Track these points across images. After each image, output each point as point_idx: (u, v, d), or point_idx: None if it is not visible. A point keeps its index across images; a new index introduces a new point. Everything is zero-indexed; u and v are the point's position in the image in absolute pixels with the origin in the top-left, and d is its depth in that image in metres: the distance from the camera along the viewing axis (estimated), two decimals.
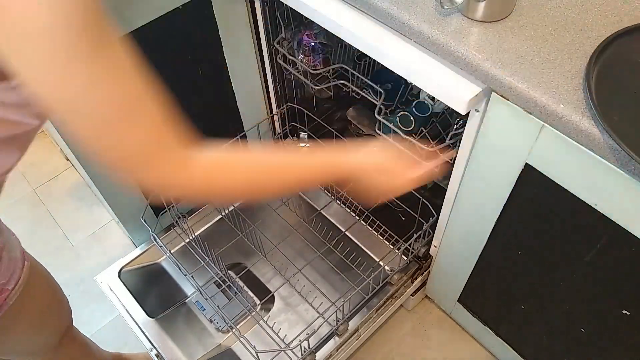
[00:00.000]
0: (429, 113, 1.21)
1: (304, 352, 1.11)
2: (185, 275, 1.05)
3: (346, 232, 1.46)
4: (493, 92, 0.85)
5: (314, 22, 1.02)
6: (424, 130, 1.18)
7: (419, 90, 1.25)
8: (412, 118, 1.19)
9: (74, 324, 1.13)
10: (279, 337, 0.99)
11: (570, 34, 0.84)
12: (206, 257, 1.26)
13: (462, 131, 0.97)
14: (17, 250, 0.83)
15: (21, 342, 0.93)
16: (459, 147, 0.93)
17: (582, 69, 0.78)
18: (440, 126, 1.19)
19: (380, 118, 1.11)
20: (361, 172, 0.74)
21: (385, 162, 0.75)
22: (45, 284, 0.93)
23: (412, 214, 1.35)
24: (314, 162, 0.71)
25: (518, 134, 0.86)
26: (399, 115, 1.19)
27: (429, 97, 1.21)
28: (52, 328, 0.98)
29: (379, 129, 1.24)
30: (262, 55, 1.39)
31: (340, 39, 0.99)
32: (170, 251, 1.05)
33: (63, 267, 1.71)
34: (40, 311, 0.91)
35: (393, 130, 1.18)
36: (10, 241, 0.82)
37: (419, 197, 1.23)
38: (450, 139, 1.04)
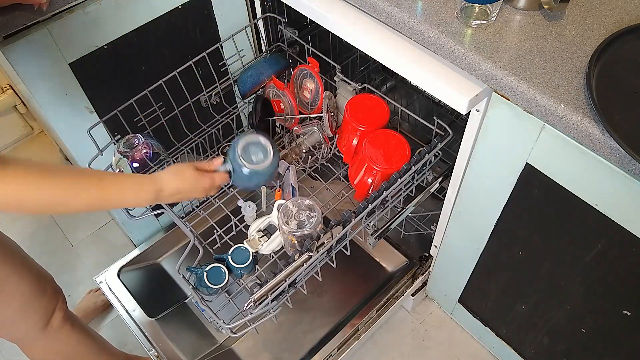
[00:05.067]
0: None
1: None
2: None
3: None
4: (493, 92, 0.85)
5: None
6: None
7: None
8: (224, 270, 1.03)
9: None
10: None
11: (571, 34, 0.84)
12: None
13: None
14: None
15: None
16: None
17: (582, 68, 0.78)
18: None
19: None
20: (167, 189, 0.86)
21: (179, 182, 0.89)
22: (1, 258, 0.93)
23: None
24: (124, 177, 0.83)
25: (518, 133, 0.86)
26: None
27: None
28: (20, 304, 0.97)
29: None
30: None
31: None
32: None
33: (63, 267, 1.71)
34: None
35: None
36: None
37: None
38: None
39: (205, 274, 1.00)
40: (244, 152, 0.98)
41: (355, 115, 1.17)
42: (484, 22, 0.86)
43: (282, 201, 1.05)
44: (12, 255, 0.97)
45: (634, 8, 0.87)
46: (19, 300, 0.97)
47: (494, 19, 0.86)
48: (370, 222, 1.11)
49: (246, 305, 0.93)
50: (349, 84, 1.23)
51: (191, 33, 1.30)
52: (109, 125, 1.12)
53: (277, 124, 1.32)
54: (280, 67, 1.30)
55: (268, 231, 1.09)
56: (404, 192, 1.12)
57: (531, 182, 0.90)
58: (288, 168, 1.19)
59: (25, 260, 1.01)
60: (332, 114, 1.26)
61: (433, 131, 1.09)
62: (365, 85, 1.23)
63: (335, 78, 1.26)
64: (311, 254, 0.95)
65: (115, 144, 1.12)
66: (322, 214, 1.02)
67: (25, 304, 0.99)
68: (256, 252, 1.05)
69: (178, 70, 1.15)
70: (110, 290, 1.40)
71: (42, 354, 1.09)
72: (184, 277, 0.97)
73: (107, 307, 1.58)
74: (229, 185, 1.13)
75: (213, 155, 1.28)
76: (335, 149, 1.26)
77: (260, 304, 0.93)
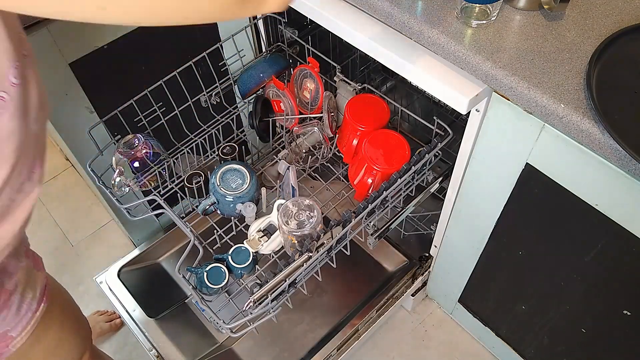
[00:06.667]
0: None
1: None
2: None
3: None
4: (493, 92, 0.85)
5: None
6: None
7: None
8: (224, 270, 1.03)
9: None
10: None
11: (571, 34, 0.84)
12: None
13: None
14: (37, 288, 0.75)
15: None
16: None
17: (582, 68, 0.78)
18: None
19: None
20: None
21: None
22: (60, 317, 0.84)
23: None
24: None
25: (518, 133, 0.86)
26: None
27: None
28: (67, 356, 0.90)
29: None
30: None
31: None
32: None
33: (63, 267, 1.71)
34: (54, 345, 0.84)
35: None
36: (32, 278, 0.74)
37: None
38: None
39: (205, 274, 1.00)
40: (222, 181, 1.07)
41: (355, 115, 1.17)
42: (484, 22, 0.86)
43: (282, 201, 1.05)
44: (66, 311, 0.88)
45: (634, 8, 0.87)
46: (67, 356, 0.90)
47: (494, 19, 0.86)
48: (370, 222, 1.11)
49: (246, 305, 0.93)
50: (349, 84, 1.23)
51: (191, 33, 1.30)
52: (109, 125, 1.12)
53: (277, 124, 1.32)
54: (280, 67, 1.30)
55: (268, 231, 1.09)
56: (404, 192, 1.12)
57: (531, 182, 0.90)
58: (288, 168, 1.19)
59: (74, 312, 0.93)
60: (332, 114, 1.26)
61: (433, 131, 1.09)
62: (365, 85, 1.23)
63: (335, 78, 1.26)
64: (311, 254, 0.95)
65: (115, 144, 1.12)
66: (322, 214, 1.02)
67: (71, 357, 0.91)
68: (256, 252, 1.05)
69: (178, 70, 1.15)
70: (110, 290, 1.40)
71: None
72: (184, 277, 0.97)
73: (103, 334, 1.53)
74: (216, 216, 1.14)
75: (213, 155, 1.28)
76: (335, 149, 1.26)
77: (260, 304, 0.93)
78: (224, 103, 1.30)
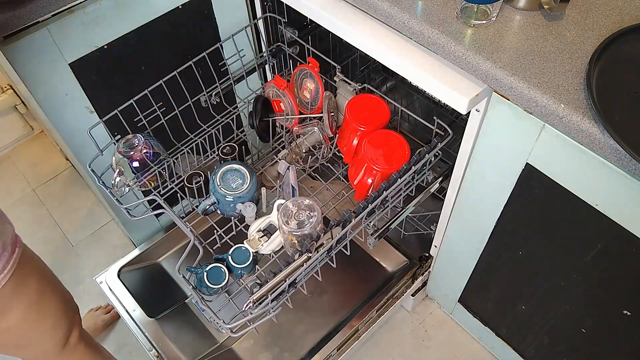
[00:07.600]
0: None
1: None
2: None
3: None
4: (493, 92, 0.85)
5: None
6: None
7: None
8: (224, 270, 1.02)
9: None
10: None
11: (571, 34, 0.84)
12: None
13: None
14: (8, 235, 0.84)
15: (21, 335, 0.91)
16: None
17: (582, 68, 0.78)
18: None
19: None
20: None
21: None
22: (38, 273, 0.92)
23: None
24: None
25: (519, 133, 0.86)
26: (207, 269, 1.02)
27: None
28: (52, 321, 0.96)
29: None
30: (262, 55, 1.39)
31: None
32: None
33: (63, 267, 1.71)
34: (36, 298, 0.91)
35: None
36: (3, 227, 0.83)
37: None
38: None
39: (205, 274, 1.00)
40: (222, 181, 1.07)
41: (356, 115, 1.17)
42: (484, 22, 0.86)
43: (282, 201, 1.05)
44: (44, 271, 0.96)
45: (634, 8, 0.87)
46: (52, 317, 0.96)
47: (494, 19, 0.86)
48: (370, 222, 1.11)
49: (246, 305, 0.93)
50: (349, 84, 1.23)
51: (191, 33, 1.30)
52: (109, 125, 1.12)
53: (277, 124, 1.32)
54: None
55: (268, 231, 1.09)
56: (404, 192, 1.12)
57: (531, 182, 0.90)
58: (288, 168, 1.19)
59: (53, 277, 0.99)
60: (332, 114, 1.26)
61: (433, 131, 1.09)
62: (365, 85, 1.23)
63: (335, 78, 1.26)
64: (311, 254, 0.95)
65: (115, 144, 1.12)
66: (322, 213, 1.02)
67: (56, 321, 0.97)
68: (256, 252, 1.05)
69: (178, 70, 1.15)
70: (110, 290, 1.40)
71: None
72: (184, 277, 0.97)
73: (107, 326, 1.56)
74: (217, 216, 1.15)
75: (213, 155, 1.28)
76: (335, 149, 1.26)
77: (260, 304, 0.93)
78: (224, 103, 1.30)
